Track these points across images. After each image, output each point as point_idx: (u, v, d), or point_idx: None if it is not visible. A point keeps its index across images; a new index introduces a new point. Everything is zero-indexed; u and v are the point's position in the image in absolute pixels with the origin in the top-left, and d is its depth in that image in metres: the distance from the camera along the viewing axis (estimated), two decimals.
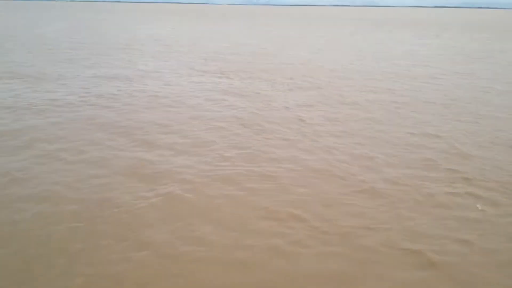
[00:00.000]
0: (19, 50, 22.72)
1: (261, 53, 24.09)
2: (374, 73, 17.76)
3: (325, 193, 6.46)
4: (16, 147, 8.11)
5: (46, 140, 8.52)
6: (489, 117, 10.91)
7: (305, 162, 7.62)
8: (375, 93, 13.72)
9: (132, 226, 5.43)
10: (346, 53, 25.13)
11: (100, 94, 12.72)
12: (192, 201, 6.13)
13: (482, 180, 6.98)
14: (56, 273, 4.49)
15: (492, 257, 4.95)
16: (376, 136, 9.20)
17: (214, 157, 7.82)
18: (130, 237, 5.18)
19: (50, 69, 16.98)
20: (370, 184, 6.77)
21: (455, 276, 4.61)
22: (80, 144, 8.31)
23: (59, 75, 15.73)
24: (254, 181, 6.81)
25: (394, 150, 8.35)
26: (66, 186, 6.49)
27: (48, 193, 6.23)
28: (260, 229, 5.45)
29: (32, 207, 5.83)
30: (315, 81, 15.57)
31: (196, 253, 4.93)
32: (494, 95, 13.65)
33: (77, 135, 8.85)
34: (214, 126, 9.73)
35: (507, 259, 4.91)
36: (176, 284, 4.41)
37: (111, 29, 43.01)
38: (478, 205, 6.10)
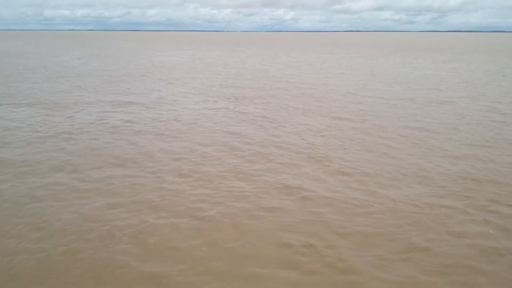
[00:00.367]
0: (39, 78, 23.45)
1: (277, 79, 24.28)
2: (386, 97, 17.65)
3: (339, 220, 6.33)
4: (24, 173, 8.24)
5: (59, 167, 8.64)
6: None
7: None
8: (384, 117, 13.59)
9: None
10: (360, 77, 25.11)
11: (115, 121, 12.92)
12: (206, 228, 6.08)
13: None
14: None
15: None
16: (390, 169, 9.04)
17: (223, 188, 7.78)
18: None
19: (67, 96, 17.41)
20: (384, 212, 6.61)
21: None
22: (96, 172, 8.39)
23: (76, 101, 16.10)
24: (264, 209, 6.74)
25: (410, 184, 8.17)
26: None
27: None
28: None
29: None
30: (327, 106, 15.52)
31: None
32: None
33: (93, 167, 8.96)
34: (225, 154, 9.74)
35: None
36: None
37: (128, 56, 44.19)
38: (490, 230, 6.04)
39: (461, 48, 69.65)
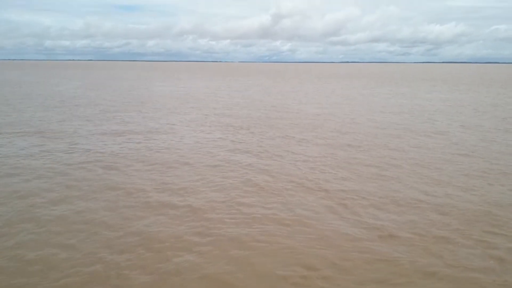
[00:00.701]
0: (39, 108, 23.63)
1: (274, 108, 24.53)
2: (381, 127, 17.83)
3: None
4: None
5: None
6: None
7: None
8: (388, 148, 13.69)
9: None
10: (356, 107, 25.40)
11: (112, 151, 12.95)
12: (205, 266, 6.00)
13: None
14: None
15: None
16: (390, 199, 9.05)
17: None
18: None
19: (66, 125, 17.50)
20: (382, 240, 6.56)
21: None
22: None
23: (74, 131, 16.17)
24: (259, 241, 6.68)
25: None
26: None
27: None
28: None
29: None
30: (323, 136, 15.63)
31: None
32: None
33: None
34: (224, 182, 9.74)
35: None
36: None
37: (126, 86, 44.73)
38: (491, 261, 6.07)
39: (456, 79, 70.92)
